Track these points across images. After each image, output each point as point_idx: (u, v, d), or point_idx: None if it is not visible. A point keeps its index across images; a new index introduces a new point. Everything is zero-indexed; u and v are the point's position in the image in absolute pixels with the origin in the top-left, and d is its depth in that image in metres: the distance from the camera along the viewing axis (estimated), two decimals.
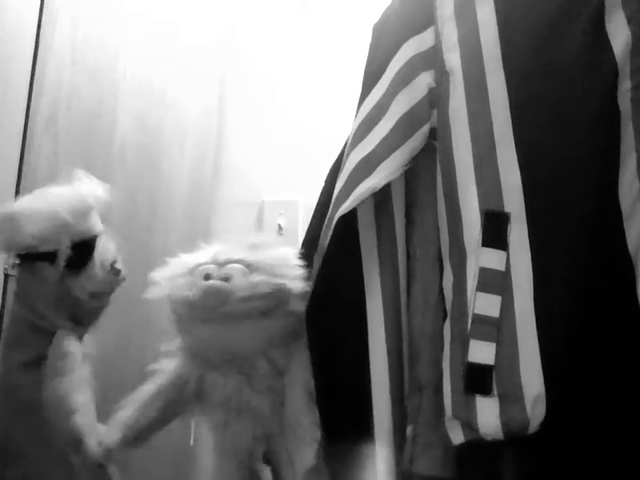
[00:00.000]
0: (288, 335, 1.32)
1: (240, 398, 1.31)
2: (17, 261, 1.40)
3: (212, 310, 1.26)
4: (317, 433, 1.27)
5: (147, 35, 1.96)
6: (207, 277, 1.28)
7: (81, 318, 1.40)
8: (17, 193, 1.58)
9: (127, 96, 1.88)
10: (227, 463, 1.37)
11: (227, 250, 1.33)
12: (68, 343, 1.35)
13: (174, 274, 1.33)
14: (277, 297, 1.28)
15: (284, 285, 1.29)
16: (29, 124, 1.60)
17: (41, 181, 1.60)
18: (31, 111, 1.60)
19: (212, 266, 1.29)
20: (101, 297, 1.41)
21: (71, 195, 1.38)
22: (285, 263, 1.33)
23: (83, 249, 1.38)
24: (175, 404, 1.36)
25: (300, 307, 1.29)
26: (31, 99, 1.61)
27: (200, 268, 1.30)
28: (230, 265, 1.29)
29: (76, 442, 1.30)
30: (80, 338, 1.40)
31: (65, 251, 1.35)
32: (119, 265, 1.42)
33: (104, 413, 1.67)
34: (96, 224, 1.41)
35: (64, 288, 1.37)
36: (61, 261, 1.35)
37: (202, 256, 1.34)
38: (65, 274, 1.36)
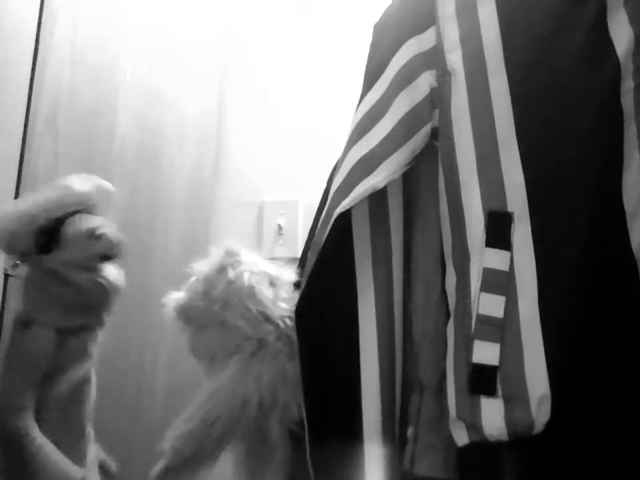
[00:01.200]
0: None
1: None
2: (18, 261, 1.39)
3: None
4: None
5: (146, 34, 1.95)
6: None
7: (82, 301, 1.37)
8: (17, 192, 1.57)
9: (127, 96, 1.87)
10: None
11: None
12: (31, 338, 1.34)
13: None
14: None
15: None
16: (29, 124, 1.59)
17: (41, 180, 1.59)
18: (30, 111, 1.60)
19: None
20: (89, 267, 1.37)
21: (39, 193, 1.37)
22: None
23: (52, 230, 1.36)
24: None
25: None
26: (31, 99, 1.60)
27: None
28: None
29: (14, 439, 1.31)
30: (83, 332, 1.39)
31: (31, 239, 1.33)
32: (100, 231, 1.35)
33: (104, 412, 1.67)
34: (65, 205, 1.37)
35: (44, 273, 1.35)
36: (28, 250, 1.34)
37: None
38: (37, 258, 1.34)
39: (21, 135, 1.59)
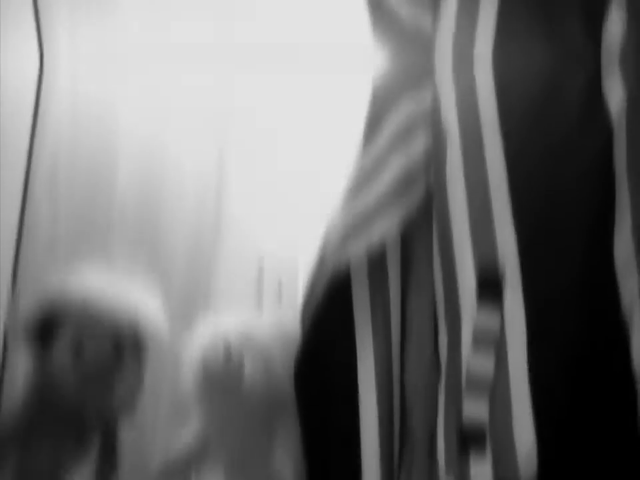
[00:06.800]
0: None
1: None
2: None
3: None
4: None
5: (146, 89, 1.97)
6: None
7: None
8: (17, 253, 1.57)
9: (127, 151, 1.88)
10: None
11: None
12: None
13: None
14: None
15: None
16: (29, 182, 1.60)
17: (41, 245, 1.59)
18: (30, 168, 1.60)
19: None
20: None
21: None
22: None
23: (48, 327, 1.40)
24: None
25: None
26: (32, 156, 1.61)
27: None
28: None
29: None
30: None
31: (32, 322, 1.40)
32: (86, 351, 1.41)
33: None
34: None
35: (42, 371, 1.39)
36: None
37: None
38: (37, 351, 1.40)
39: (21, 193, 1.59)
